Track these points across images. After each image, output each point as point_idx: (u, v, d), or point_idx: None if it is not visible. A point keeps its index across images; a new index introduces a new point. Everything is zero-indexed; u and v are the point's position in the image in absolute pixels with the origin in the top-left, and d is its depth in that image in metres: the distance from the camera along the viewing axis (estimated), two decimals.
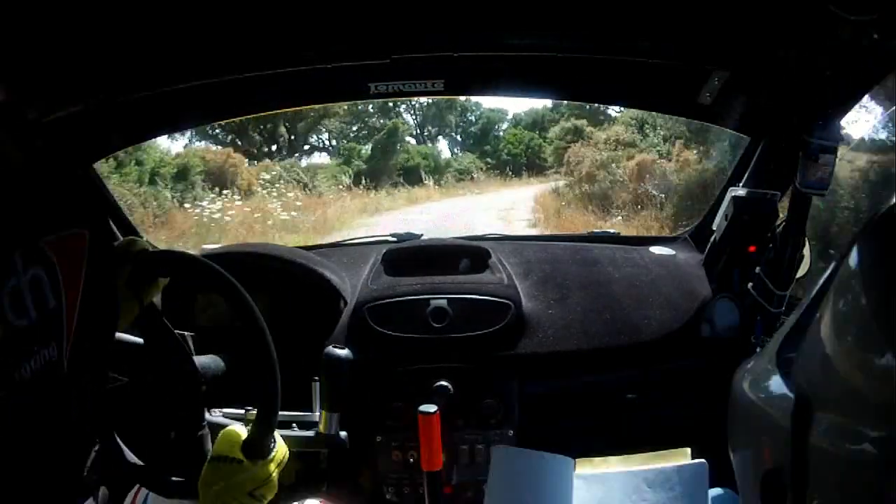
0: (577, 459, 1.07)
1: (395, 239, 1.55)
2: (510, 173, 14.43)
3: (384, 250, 1.40)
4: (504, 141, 16.04)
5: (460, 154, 16.42)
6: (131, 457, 0.93)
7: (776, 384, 0.69)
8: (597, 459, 1.06)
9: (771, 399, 0.70)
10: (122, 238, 1.39)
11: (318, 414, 1.09)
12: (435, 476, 1.08)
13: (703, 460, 1.04)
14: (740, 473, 0.75)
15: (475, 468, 1.21)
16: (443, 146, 17.06)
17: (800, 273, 1.19)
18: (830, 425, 0.51)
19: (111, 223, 1.39)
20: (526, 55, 1.17)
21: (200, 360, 0.94)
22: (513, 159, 15.07)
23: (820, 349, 0.56)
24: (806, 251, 1.18)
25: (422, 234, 1.56)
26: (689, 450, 1.06)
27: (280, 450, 0.86)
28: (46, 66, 0.90)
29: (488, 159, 15.28)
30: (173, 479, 0.91)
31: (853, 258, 0.52)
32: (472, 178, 14.37)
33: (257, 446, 0.82)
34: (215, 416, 1.04)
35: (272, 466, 0.84)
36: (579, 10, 0.97)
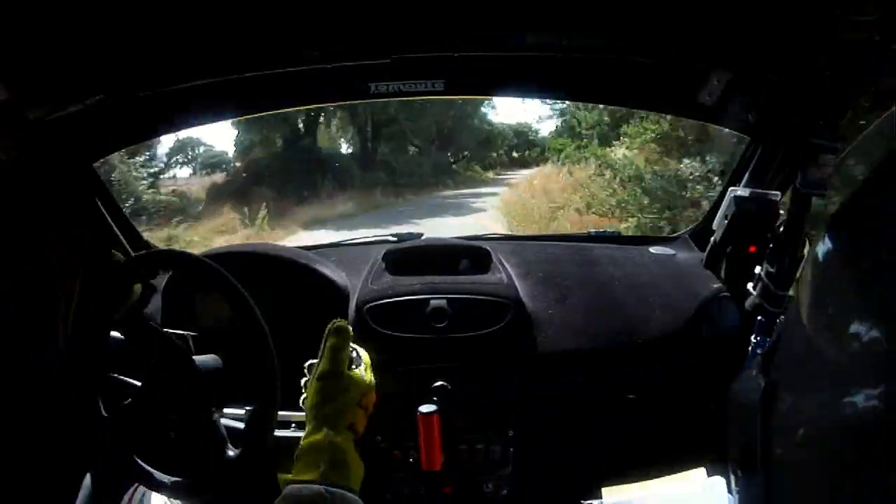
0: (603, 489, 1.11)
1: (395, 239, 1.55)
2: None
3: (384, 250, 1.40)
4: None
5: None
6: (131, 456, 0.93)
7: (749, 377, 0.86)
8: (616, 488, 1.10)
9: (745, 389, 0.87)
10: (122, 238, 1.41)
11: None
12: (435, 476, 1.08)
13: (719, 477, 1.05)
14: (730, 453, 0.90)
15: (475, 468, 1.21)
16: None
17: (800, 273, 1.19)
18: (793, 402, 0.64)
19: (111, 223, 1.40)
20: (526, 55, 1.17)
21: (200, 360, 0.94)
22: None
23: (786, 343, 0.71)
24: (806, 251, 1.18)
25: (422, 234, 1.57)
26: (704, 469, 1.07)
27: (364, 355, 0.94)
28: (46, 66, 0.90)
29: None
30: (173, 478, 0.91)
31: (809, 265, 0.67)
32: None
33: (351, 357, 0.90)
34: (215, 415, 1.04)
35: (369, 372, 0.91)
36: (579, 11, 0.97)
